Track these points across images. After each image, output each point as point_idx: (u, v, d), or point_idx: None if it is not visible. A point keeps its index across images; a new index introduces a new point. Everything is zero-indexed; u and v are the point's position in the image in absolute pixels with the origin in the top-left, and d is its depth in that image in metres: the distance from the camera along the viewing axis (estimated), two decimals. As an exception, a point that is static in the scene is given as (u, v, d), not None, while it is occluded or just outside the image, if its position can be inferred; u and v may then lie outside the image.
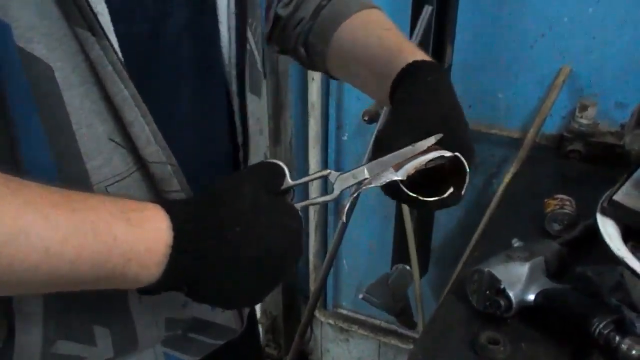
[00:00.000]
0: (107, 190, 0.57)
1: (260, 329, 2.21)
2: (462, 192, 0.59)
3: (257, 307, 2.16)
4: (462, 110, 0.64)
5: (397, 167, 0.57)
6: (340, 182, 0.57)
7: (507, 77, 1.46)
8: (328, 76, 0.84)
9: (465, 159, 0.58)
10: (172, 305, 0.67)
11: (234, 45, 0.63)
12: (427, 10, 1.31)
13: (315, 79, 1.67)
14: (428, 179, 0.59)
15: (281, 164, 0.57)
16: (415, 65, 0.66)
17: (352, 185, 0.58)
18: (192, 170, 0.61)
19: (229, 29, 0.63)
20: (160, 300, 0.63)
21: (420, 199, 0.57)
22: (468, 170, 0.58)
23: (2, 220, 0.44)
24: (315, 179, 0.60)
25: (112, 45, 0.52)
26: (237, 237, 0.51)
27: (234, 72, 0.64)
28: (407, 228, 1.53)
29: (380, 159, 0.57)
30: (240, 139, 0.67)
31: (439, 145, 0.58)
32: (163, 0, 0.58)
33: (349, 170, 0.57)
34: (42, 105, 0.52)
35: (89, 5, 0.50)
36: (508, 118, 1.50)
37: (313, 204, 0.60)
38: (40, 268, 0.45)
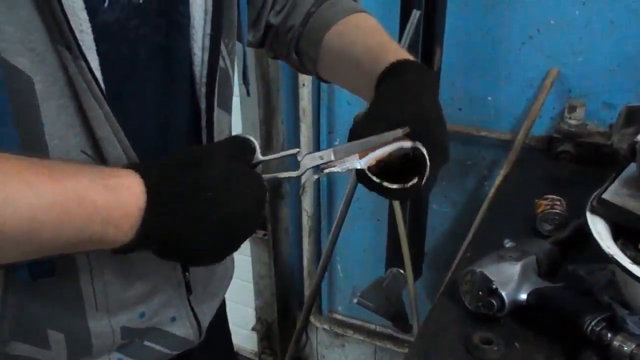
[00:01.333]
0: None
1: (255, 336, 2.20)
2: (422, 182, 0.62)
3: (251, 314, 2.16)
4: (440, 108, 0.66)
5: (362, 156, 0.60)
6: (307, 161, 0.61)
7: (496, 79, 1.48)
8: (320, 80, 0.86)
9: (434, 152, 0.62)
10: (129, 315, 0.68)
11: (205, 65, 0.64)
12: (416, 14, 1.32)
13: (306, 84, 1.68)
14: (404, 172, 0.62)
15: (252, 139, 0.60)
16: (397, 64, 0.68)
17: (318, 166, 0.61)
18: None
19: (202, 49, 0.64)
20: (117, 308, 0.66)
21: (383, 186, 0.61)
22: (428, 160, 0.61)
23: None
24: (284, 156, 0.63)
25: (88, 65, 0.53)
26: (207, 201, 0.54)
27: (203, 90, 0.65)
28: (400, 232, 1.53)
29: (347, 144, 0.61)
30: None
31: (409, 138, 0.61)
32: (142, 22, 0.59)
33: (318, 152, 0.61)
34: (18, 115, 0.53)
35: (69, 24, 0.51)
36: (498, 120, 1.51)
37: (278, 178, 0.63)
38: (27, 235, 0.48)
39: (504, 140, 1.50)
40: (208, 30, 0.63)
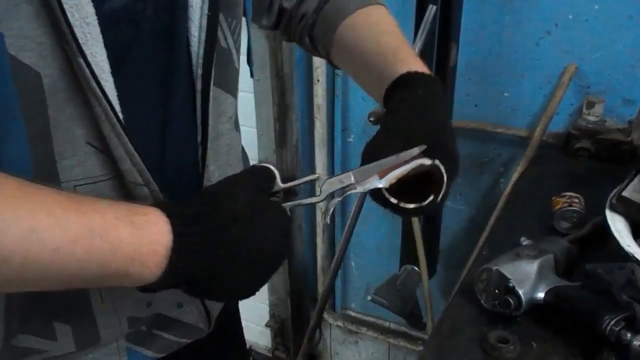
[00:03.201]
0: (75, 190, 0.59)
1: (269, 332, 2.21)
2: (438, 200, 0.62)
3: (265, 311, 2.17)
4: (450, 122, 0.67)
5: (382, 175, 0.60)
6: (327, 186, 0.61)
7: (513, 75, 1.46)
8: (333, 67, 0.86)
9: (448, 168, 0.61)
10: (135, 304, 0.69)
11: (202, 45, 0.64)
12: (432, 9, 1.30)
13: (320, 80, 1.67)
14: (415, 188, 0.62)
15: (272, 167, 0.61)
16: (407, 77, 0.68)
17: (338, 189, 0.61)
18: (160, 168, 0.63)
19: (199, 29, 0.63)
20: (124, 301, 0.67)
21: (400, 206, 0.61)
22: (446, 178, 0.61)
23: (16, 221, 0.46)
24: (304, 182, 0.63)
25: (87, 62, 0.53)
26: (232, 238, 0.54)
27: (200, 72, 0.65)
28: (414, 229, 1.52)
29: (365, 166, 0.61)
30: (199, 138, 0.68)
31: (425, 155, 0.61)
32: (147, 4, 0.59)
33: (336, 175, 0.61)
34: (26, 110, 0.53)
35: (65, 18, 0.51)
36: (514, 117, 1.50)
37: (300, 205, 0.63)
38: (50, 267, 0.48)
39: (520, 137, 1.49)
40: (206, 10, 0.63)
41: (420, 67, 0.69)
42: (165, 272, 0.52)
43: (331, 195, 0.61)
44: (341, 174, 0.61)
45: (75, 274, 0.50)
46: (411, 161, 0.60)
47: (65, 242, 0.48)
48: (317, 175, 0.62)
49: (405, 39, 0.76)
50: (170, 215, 0.53)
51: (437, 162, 0.61)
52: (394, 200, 0.61)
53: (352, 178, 0.60)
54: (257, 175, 0.60)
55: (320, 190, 0.61)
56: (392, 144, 0.61)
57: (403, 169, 0.60)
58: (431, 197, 0.61)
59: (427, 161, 0.60)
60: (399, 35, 0.77)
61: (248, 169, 0.63)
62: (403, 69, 0.68)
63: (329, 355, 2.21)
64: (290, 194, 0.62)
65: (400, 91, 0.67)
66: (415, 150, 0.60)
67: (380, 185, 0.60)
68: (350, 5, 0.79)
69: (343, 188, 0.61)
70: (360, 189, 0.60)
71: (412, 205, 0.61)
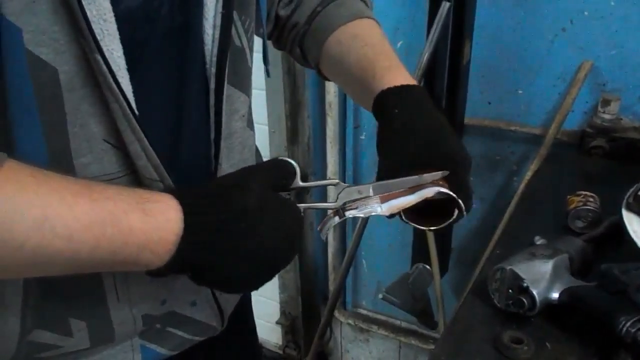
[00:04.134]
0: None
1: (280, 330, 2.21)
2: (451, 221, 0.63)
3: (275, 308, 2.17)
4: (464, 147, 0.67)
5: (384, 199, 0.60)
6: (345, 194, 0.62)
7: (527, 72, 1.45)
8: (323, 79, 0.87)
9: (465, 202, 0.62)
10: (151, 303, 0.69)
11: (216, 43, 0.64)
12: (445, 6, 1.30)
13: (332, 78, 1.67)
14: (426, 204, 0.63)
15: (293, 163, 0.60)
16: (386, 94, 0.68)
17: (355, 200, 0.61)
18: (174, 165, 0.63)
19: (214, 27, 0.63)
20: (139, 299, 0.67)
21: (411, 225, 0.63)
22: (458, 212, 0.62)
23: (30, 209, 0.47)
24: (323, 185, 0.65)
25: (105, 60, 0.53)
26: (241, 233, 0.54)
27: (213, 70, 0.64)
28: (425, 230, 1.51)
29: (386, 182, 0.61)
30: (212, 136, 0.67)
31: (443, 182, 0.61)
32: (164, 2, 0.59)
33: (356, 185, 0.62)
34: (43, 106, 0.54)
35: (87, 23, 0.51)
36: (528, 114, 1.48)
37: (315, 208, 0.64)
38: (62, 253, 0.49)
39: (534, 134, 1.47)
40: (220, 9, 0.63)
41: (401, 77, 0.69)
42: (173, 259, 0.53)
43: (335, 213, 0.61)
44: (361, 184, 0.61)
45: (86, 261, 0.51)
46: (429, 187, 0.60)
47: (78, 230, 0.49)
48: (337, 180, 0.62)
49: (389, 50, 0.76)
50: (182, 204, 0.54)
51: (455, 196, 0.61)
52: (404, 219, 0.62)
53: (371, 191, 0.61)
54: (277, 169, 0.60)
55: (337, 197, 0.61)
56: (413, 165, 0.61)
57: (410, 199, 0.60)
58: (446, 222, 0.63)
59: (445, 191, 0.60)
60: (382, 48, 0.76)
61: (269, 161, 0.63)
62: (383, 85, 0.69)
63: (339, 353, 2.21)
64: (303, 192, 0.62)
65: (383, 117, 0.68)
66: (438, 174, 0.60)
67: (380, 212, 0.60)
68: (341, 18, 0.79)
69: (347, 204, 0.61)
70: (361, 212, 0.60)
71: (425, 228, 0.63)
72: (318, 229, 0.62)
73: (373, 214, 0.61)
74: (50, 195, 0.48)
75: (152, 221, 0.52)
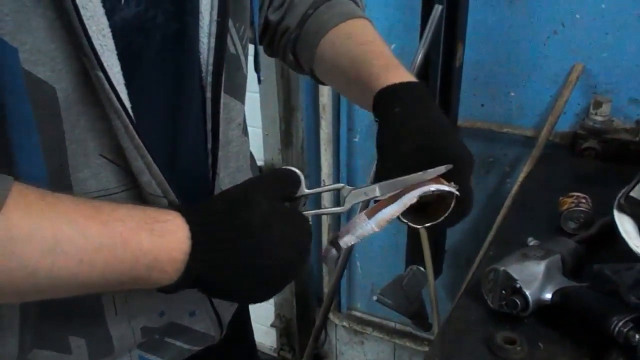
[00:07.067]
0: None
1: (274, 332, 2.20)
2: (442, 219, 0.63)
3: (270, 311, 2.16)
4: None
5: (371, 214, 0.59)
6: (352, 197, 0.61)
7: (519, 75, 1.46)
8: (317, 82, 0.85)
9: (465, 198, 0.62)
10: (149, 315, 0.69)
11: (212, 52, 0.63)
12: (438, 9, 1.30)
13: (325, 80, 1.67)
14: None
15: (298, 172, 0.60)
16: (386, 92, 0.67)
17: (363, 202, 0.61)
18: (172, 178, 0.62)
19: (209, 35, 0.62)
20: (137, 312, 0.67)
21: (403, 221, 0.63)
22: (466, 210, 0.63)
23: (41, 233, 0.47)
24: (329, 190, 0.63)
25: (107, 76, 0.53)
26: (249, 249, 0.54)
27: (209, 79, 0.64)
28: (420, 229, 1.51)
29: (391, 180, 0.60)
30: (209, 146, 0.67)
31: (445, 179, 0.61)
32: (158, 11, 0.58)
33: (362, 187, 0.61)
34: (42, 125, 0.53)
35: (88, 39, 0.51)
36: (521, 116, 1.49)
37: (324, 214, 0.63)
38: (75, 277, 0.50)
39: (527, 136, 1.48)
40: (215, 17, 0.62)
41: (400, 75, 0.68)
42: (182, 277, 0.54)
43: (331, 245, 0.60)
44: (366, 185, 0.61)
45: (98, 282, 0.51)
46: (432, 183, 0.60)
47: (89, 253, 0.49)
48: (342, 185, 0.62)
49: (385, 49, 0.75)
50: (189, 222, 0.54)
51: (453, 190, 0.60)
52: (402, 220, 0.62)
53: (378, 191, 0.60)
54: (282, 180, 0.60)
55: (345, 201, 0.61)
56: (415, 165, 0.61)
57: (395, 208, 0.60)
58: (440, 219, 0.62)
59: (445, 187, 0.60)
60: (376, 47, 0.75)
61: (273, 172, 0.63)
62: (381, 84, 0.68)
63: (334, 355, 2.21)
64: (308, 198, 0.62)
65: (384, 116, 0.67)
66: (442, 169, 0.60)
67: (371, 229, 0.59)
68: (333, 19, 0.77)
69: (367, 201, 0.61)
70: (354, 238, 0.59)
71: (419, 226, 0.63)
72: (323, 262, 0.62)
73: (366, 234, 0.60)
74: (60, 218, 0.48)
75: (160, 241, 0.52)
